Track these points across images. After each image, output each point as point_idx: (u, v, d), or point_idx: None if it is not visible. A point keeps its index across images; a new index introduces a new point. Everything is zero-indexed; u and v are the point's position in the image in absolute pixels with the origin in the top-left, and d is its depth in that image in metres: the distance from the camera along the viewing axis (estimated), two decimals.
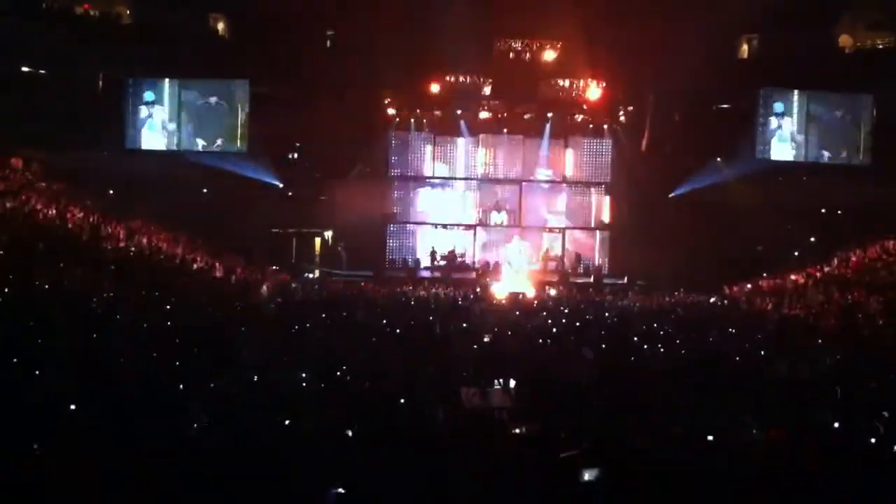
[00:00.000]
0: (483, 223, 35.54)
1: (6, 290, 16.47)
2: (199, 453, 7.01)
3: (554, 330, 17.00)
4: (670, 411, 9.01)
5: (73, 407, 8.00)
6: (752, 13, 30.52)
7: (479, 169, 35.74)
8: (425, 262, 34.11)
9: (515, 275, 31.31)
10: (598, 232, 35.57)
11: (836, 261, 27.82)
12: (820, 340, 17.03)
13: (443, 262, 33.66)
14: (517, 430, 8.31)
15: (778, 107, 33.29)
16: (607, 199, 35.29)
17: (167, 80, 32.94)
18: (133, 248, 24.76)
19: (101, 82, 32.88)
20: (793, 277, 27.38)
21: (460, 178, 35.96)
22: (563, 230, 35.56)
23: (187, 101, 33.30)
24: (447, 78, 34.32)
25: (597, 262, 34.82)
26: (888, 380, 11.71)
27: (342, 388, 10.41)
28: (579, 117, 35.04)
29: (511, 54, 34.75)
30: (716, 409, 9.05)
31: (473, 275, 32.50)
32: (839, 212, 32.20)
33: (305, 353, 12.43)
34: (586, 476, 6.48)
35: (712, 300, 26.64)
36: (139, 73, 32.49)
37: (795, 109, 33.26)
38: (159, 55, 30.58)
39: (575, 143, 35.44)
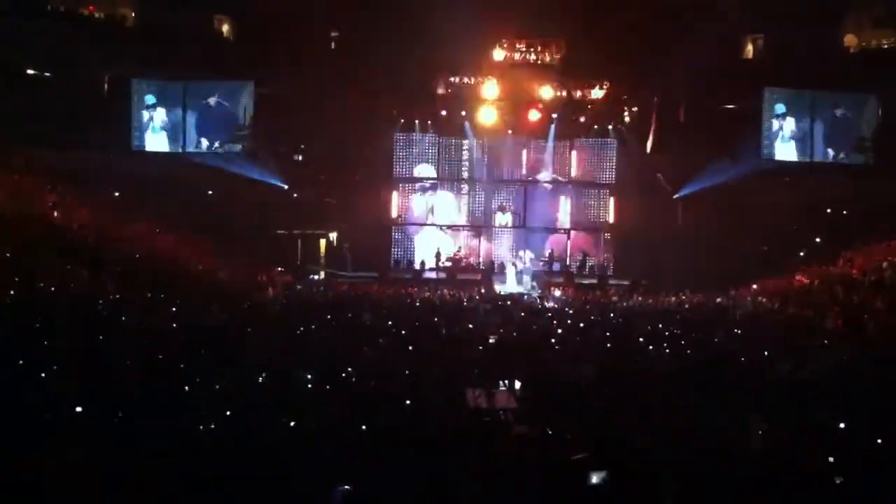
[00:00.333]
0: (487, 224, 35.56)
1: (11, 291, 16.47)
2: (202, 453, 7.02)
3: (559, 331, 16.98)
4: (672, 412, 9.00)
5: (78, 409, 8.00)
6: (757, 13, 30.49)
7: (484, 170, 35.75)
8: (430, 263, 34.13)
9: (520, 276, 31.31)
10: (602, 233, 35.56)
11: (841, 261, 27.76)
12: (825, 340, 16.98)
13: (448, 264, 33.66)
14: (521, 432, 8.31)
15: (782, 107, 33.27)
16: (612, 199, 35.28)
17: (172, 81, 33.00)
18: (138, 250, 24.76)
19: (105, 83, 32.97)
20: (798, 277, 27.32)
21: (465, 180, 35.98)
22: (567, 231, 35.59)
23: (192, 103, 33.37)
24: (451, 79, 34.34)
25: (601, 263, 34.79)
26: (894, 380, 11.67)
27: (347, 389, 10.41)
28: (583, 118, 35.03)
29: (515, 55, 34.71)
30: (719, 409, 9.05)
31: (478, 276, 32.50)
32: (844, 212, 32.11)
33: (310, 354, 12.43)
34: (594, 479, 6.48)
35: (717, 300, 26.58)
36: (144, 74, 32.54)
37: (801, 109, 33.23)
38: (164, 56, 30.61)
39: (579, 144, 35.48)
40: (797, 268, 28.13)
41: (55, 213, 24.44)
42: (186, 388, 9.55)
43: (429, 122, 35.02)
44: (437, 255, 34.10)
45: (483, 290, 27.87)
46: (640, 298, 26.98)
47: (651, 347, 14.94)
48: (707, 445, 7.59)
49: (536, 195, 35.80)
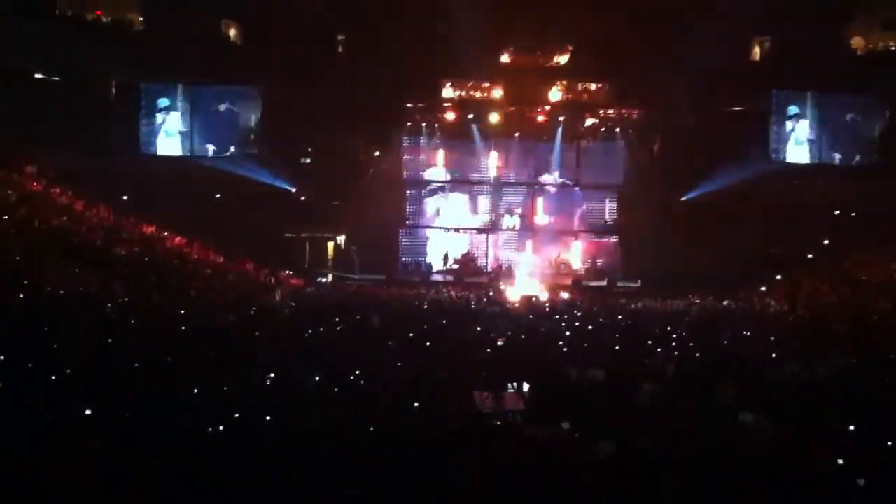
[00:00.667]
0: (495, 227, 35.58)
1: (21, 294, 16.53)
2: (207, 454, 7.04)
3: (567, 333, 16.97)
4: (676, 413, 9.00)
5: (87, 412, 8.03)
6: (764, 15, 30.45)
7: (492, 173, 35.81)
8: (438, 265, 34.15)
9: (528, 278, 31.30)
10: (610, 235, 35.53)
11: (848, 262, 27.72)
12: (833, 342, 16.94)
13: (455, 266, 33.67)
14: (533, 433, 8.31)
15: (791, 109, 33.24)
16: (619, 202, 35.24)
17: (180, 85, 33.12)
18: (145, 253, 24.82)
19: (114, 88, 33.06)
20: (806, 279, 27.28)
21: (473, 182, 36.00)
22: (575, 233, 35.57)
23: (200, 107, 33.47)
24: (459, 82, 34.36)
25: (609, 266, 34.74)
26: None
27: (355, 391, 10.42)
28: (591, 121, 35.02)
29: (523, 58, 34.68)
30: (722, 409, 9.06)
31: (486, 278, 32.50)
32: (853, 213, 32.05)
33: (318, 357, 12.44)
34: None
35: (725, 303, 26.55)
36: (152, 78, 32.61)
37: (808, 111, 33.20)
38: (172, 61, 30.69)
39: (587, 147, 35.44)
40: (805, 270, 28.11)
41: (63, 216, 24.51)
42: (194, 390, 9.56)
43: (436, 125, 35.06)
44: (445, 258, 34.13)
45: (491, 293, 27.85)
46: (647, 301, 26.95)
47: (659, 350, 14.91)
48: (707, 445, 7.60)
49: (544, 198, 35.82)
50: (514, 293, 27.74)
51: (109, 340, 12.76)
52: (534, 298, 26.32)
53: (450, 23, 29.00)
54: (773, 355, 14.37)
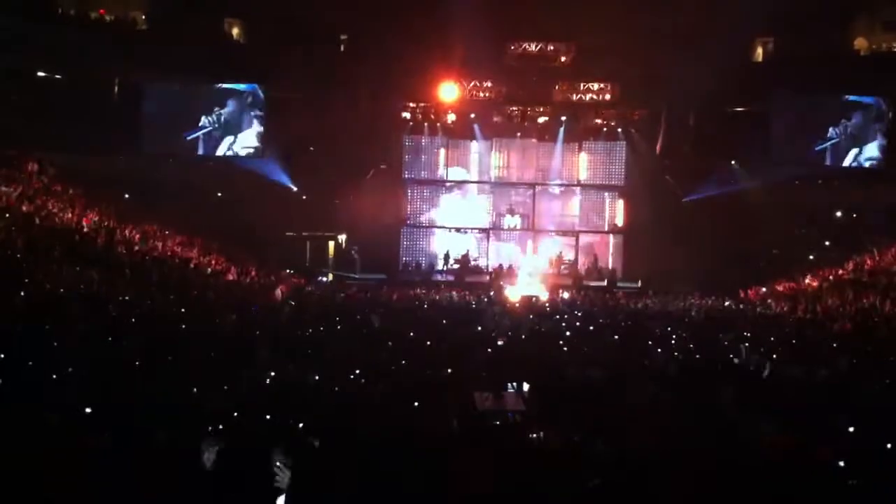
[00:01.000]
0: (497, 227, 35.58)
1: (22, 293, 16.53)
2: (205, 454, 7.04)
3: (567, 333, 16.97)
4: (675, 413, 9.00)
5: (87, 412, 8.03)
6: (767, 16, 30.42)
7: (493, 172, 35.85)
8: (439, 265, 34.16)
9: (529, 278, 31.29)
10: (611, 235, 35.56)
11: (851, 264, 27.70)
12: (835, 344, 16.94)
13: (456, 266, 33.68)
14: (532, 435, 8.29)
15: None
16: (621, 202, 35.27)
17: (182, 84, 33.06)
18: (148, 252, 24.83)
19: (116, 86, 33.08)
20: (808, 281, 27.29)
21: (474, 182, 36.02)
22: (576, 234, 35.58)
23: (203, 105, 33.43)
24: (461, 81, 34.34)
25: (610, 266, 34.72)
26: None
27: (355, 391, 10.42)
28: (593, 121, 35.01)
29: (525, 58, 34.67)
30: (722, 410, 9.05)
31: (487, 278, 32.49)
32: (855, 215, 32.03)
33: (318, 356, 12.44)
34: None
35: (727, 304, 26.54)
36: (155, 77, 32.60)
37: (810, 112, 33.17)
38: (174, 59, 30.68)
39: (589, 147, 35.47)
40: (807, 271, 28.11)
41: (67, 216, 24.52)
42: (195, 389, 9.56)
43: (438, 124, 35.08)
44: (446, 258, 34.14)
45: (491, 293, 27.85)
46: (648, 301, 26.96)
47: (660, 350, 14.91)
48: (707, 445, 7.58)
49: (545, 198, 35.83)
50: (514, 293, 27.73)
51: (110, 339, 12.77)
52: (534, 298, 26.31)
53: (453, 23, 28.97)
54: (775, 356, 14.35)
